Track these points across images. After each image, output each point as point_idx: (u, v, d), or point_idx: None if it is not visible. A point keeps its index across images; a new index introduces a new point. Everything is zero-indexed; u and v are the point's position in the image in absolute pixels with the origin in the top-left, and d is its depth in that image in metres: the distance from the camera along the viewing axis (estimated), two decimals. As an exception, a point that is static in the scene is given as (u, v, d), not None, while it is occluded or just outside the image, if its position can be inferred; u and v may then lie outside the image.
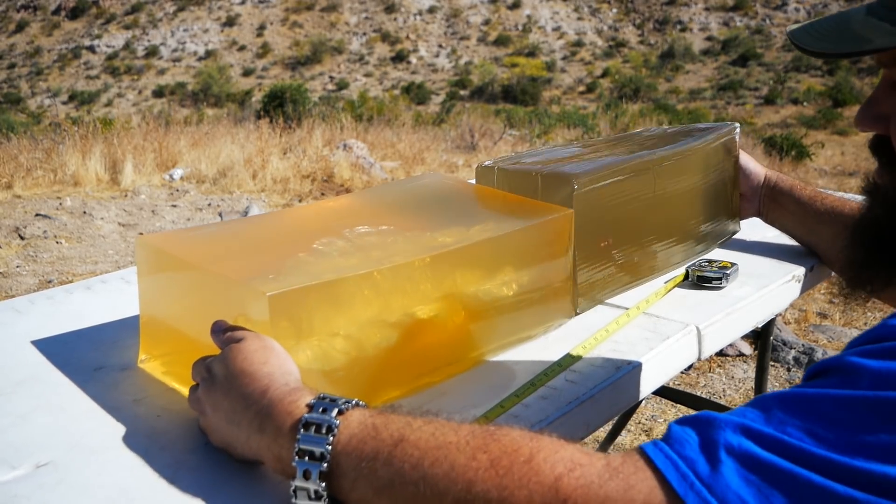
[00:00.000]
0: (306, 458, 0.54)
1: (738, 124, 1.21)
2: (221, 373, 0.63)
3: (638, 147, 1.10)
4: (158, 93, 55.94)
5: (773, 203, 1.16)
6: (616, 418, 2.10)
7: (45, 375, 0.80)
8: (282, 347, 0.65)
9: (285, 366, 0.63)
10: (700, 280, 1.05)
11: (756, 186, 1.18)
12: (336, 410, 0.55)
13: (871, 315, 3.63)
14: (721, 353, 3.00)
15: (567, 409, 0.74)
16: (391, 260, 0.74)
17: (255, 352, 0.63)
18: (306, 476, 0.53)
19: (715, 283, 1.04)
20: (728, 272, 1.04)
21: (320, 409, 0.55)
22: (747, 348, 3.03)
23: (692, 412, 2.27)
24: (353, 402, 0.57)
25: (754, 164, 1.19)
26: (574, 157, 1.04)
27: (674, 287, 1.05)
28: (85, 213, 5.65)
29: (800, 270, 1.12)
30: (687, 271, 1.06)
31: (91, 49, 70.03)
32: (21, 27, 75.14)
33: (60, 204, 5.89)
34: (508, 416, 0.73)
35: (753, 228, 1.25)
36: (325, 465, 0.53)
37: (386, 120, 12.59)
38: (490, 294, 0.83)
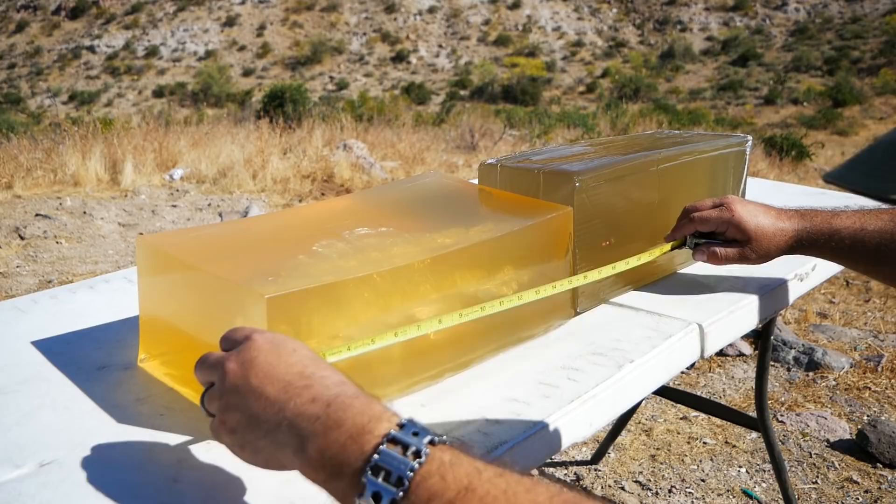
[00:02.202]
0: (380, 476, 0.46)
1: (750, 137, 1.21)
2: (264, 352, 0.56)
3: (644, 148, 1.10)
4: (158, 93, 55.94)
5: (805, 251, 1.00)
6: (616, 418, 2.10)
7: (48, 374, 0.80)
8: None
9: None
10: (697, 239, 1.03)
11: (776, 250, 0.99)
12: (428, 439, 0.48)
13: (871, 315, 3.63)
14: (721, 353, 3.00)
15: (570, 407, 0.74)
16: (391, 262, 0.74)
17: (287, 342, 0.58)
18: (376, 499, 0.46)
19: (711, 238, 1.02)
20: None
21: (411, 432, 0.48)
22: (747, 348, 3.03)
23: (692, 412, 2.26)
24: (441, 437, 0.49)
25: (770, 219, 0.98)
26: (578, 156, 1.05)
27: (671, 249, 1.03)
28: (85, 213, 5.65)
29: (801, 269, 1.12)
30: (685, 237, 1.04)
31: (91, 49, 70.03)
32: (21, 27, 75.13)
33: (60, 204, 5.89)
34: (510, 412, 0.73)
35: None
36: (402, 493, 0.45)
37: (386, 120, 12.60)
38: (490, 294, 0.83)
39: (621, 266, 0.94)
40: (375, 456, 0.47)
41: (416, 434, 0.48)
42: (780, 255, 1.00)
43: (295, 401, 0.52)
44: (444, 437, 0.49)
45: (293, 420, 0.52)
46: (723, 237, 1.00)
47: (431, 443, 0.47)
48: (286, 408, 0.52)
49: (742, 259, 1.00)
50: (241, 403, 0.55)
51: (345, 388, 0.53)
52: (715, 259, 1.01)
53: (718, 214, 0.99)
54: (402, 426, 0.49)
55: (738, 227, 0.97)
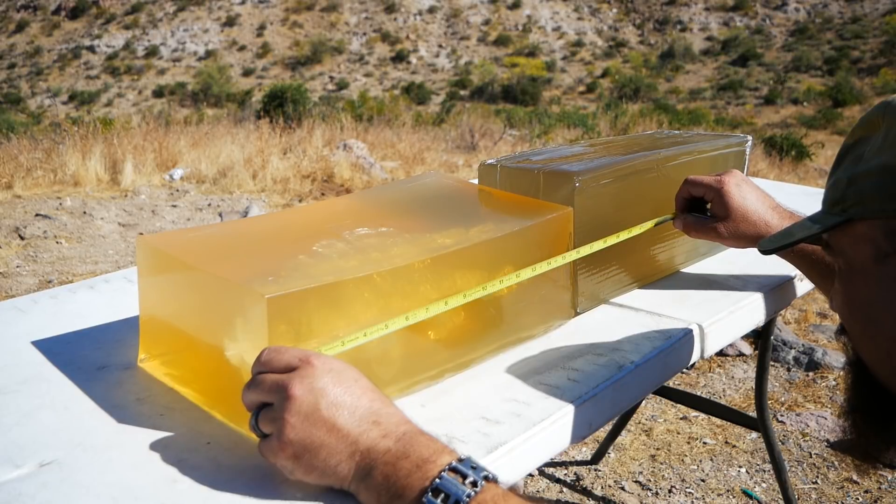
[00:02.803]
0: (439, 498, 0.53)
1: (750, 137, 1.21)
2: (332, 382, 0.59)
3: (644, 148, 1.10)
4: (158, 93, 55.93)
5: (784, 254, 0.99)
6: (616, 418, 2.10)
7: (48, 374, 0.80)
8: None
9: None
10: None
11: (751, 238, 0.98)
12: (484, 474, 0.54)
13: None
14: (721, 353, 3.00)
15: (570, 407, 0.74)
16: (391, 262, 0.74)
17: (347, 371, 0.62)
18: None
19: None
20: None
21: (470, 466, 0.55)
22: (747, 348, 3.03)
23: (692, 412, 2.26)
24: (495, 475, 0.56)
25: (760, 207, 0.97)
26: (578, 156, 1.05)
27: (656, 224, 1.03)
28: (85, 213, 5.65)
29: (800, 270, 1.12)
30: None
31: (91, 49, 70.02)
32: (21, 27, 75.12)
33: (60, 204, 5.89)
34: (510, 412, 0.73)
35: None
36: None
37: (386, 120, 12.60)
38: (490, 295, 0.83)
39: (612, 240, 0.94)
40: (437, 480, 0.53)
41: (474, 468, 0.54)
42: (754, 246, 0.97)
43: (368, 434, 0.58)
44: (497, 476, 0.55)
45: (365, 453, 0.57)
46: (711, 212, 1.00)
47: (486, 478, 0.54)
48: (359, 441, 0.57)
49: (715, 234, 0.98)
50: (313, 432, 0.58)
51: (410, 426, 0.59)
52: (688, 228, 1.00)
53: (709, 181, 0.98)
54: (461, 460, 0.55)
55: (722, 200, 0.96)
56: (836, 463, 2.22)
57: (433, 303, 0.75)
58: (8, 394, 0.76)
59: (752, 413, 1.73)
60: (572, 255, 0.89)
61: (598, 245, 0.93)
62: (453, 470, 0.54)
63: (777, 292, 1.07)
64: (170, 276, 0.79)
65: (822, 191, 0.69)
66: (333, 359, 0.62)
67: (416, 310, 0.73)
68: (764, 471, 2.17)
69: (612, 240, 0.94)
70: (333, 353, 0.67)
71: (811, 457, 2.26)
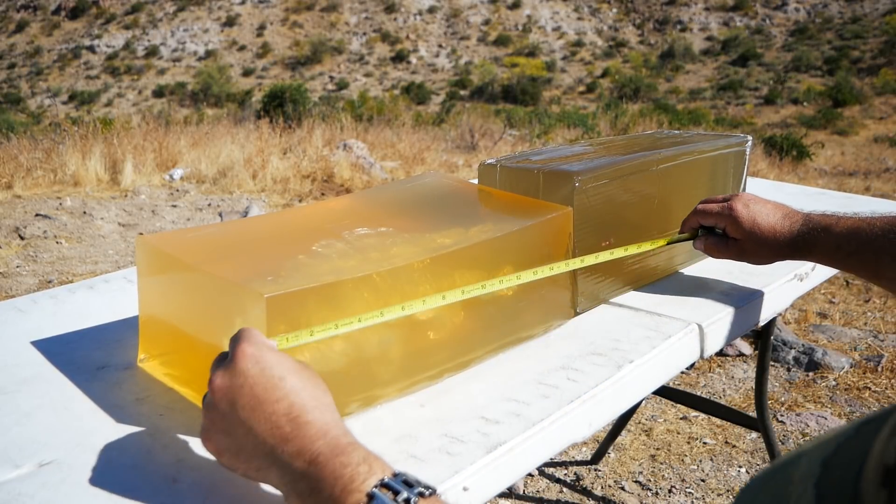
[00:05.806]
0: None
1: (750, 137, 1.21)
2: (250, 384, 0.56)
3: (644, 148, 1.10)
4: (158, 93, 55.93)
5: (805, 256, 0.96)
6: (616, 418, 2.10)
7: (48, 374, 0.80)
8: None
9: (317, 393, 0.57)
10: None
11: (770, 253, 0.98)
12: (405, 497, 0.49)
13: (871, 315, 3.63)
14: (721, 353, 3.00)
15: (569, 407, 0.74)
16: (390, 262, 0.74)
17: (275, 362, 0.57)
18: None
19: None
20: None
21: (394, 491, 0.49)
22: (747, 348, 3.03)
23: (692, 412, 2.25)
24: (428, 491, 0.50)
25: (772, 219, 0.96)
26: (578, 156, 1.05)
27: (668, 243, 1.03)
28: (85, 213, 5.65)
29: (801, 269, 1.12)
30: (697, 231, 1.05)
31: (91, 49, 70.03)
32: (21, 27, 75.14)
33: (60, 204, 5.89)
34: (510, 412, 0.73)
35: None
36: None
37: (386, 120, 12.61)
38: (490, 294, 0.83)
39: (619, 252, 0.94)
40: None
41: (396, 494, 0.49)
42: (778, 259, 0.98)
43: (282, 448, 0.54)
44: (413, 498, 0.49)
45: (280, 469, 0.54)
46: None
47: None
48: (274, 454, 0.54)
49: (737, 254, 0.99)
50: (230, 430, 0.56)
51: (325, 443, 0.53)
52: (709, 251, 1.02)
53: (719, 209, 0.99)
54: (371, 497, 0.49)
55: (735, 225, 0.97)
56: (836, 463, 2.22)
57: (430, 296, 0.74)
58: (7, 394, 0.76)
59: (752, 413, 1.73)
60: (576, 263, 0.89)
61: (605, 256, 0.92)
62: None
63: (777, 292, 1.07)
64: (169, 276, 0.79)
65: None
66: (270, 352, 0.58)
67: (412, 300, 0.73)
68: (764, 471, 2.17)
69: (619, 252, 0.95)
70: (325, 336, 0.66)
71: (811, 457, 2.26)
